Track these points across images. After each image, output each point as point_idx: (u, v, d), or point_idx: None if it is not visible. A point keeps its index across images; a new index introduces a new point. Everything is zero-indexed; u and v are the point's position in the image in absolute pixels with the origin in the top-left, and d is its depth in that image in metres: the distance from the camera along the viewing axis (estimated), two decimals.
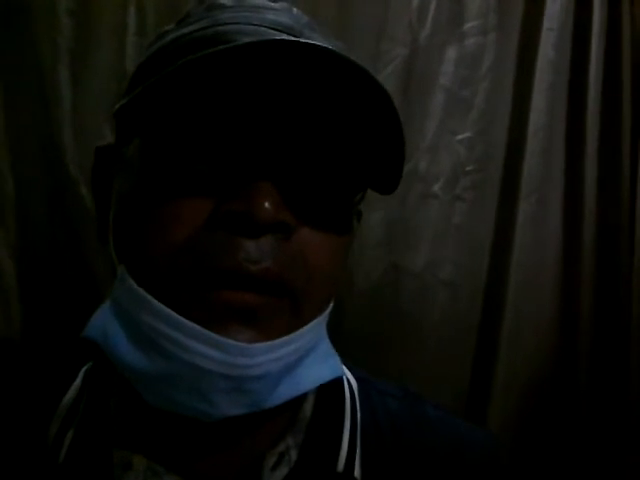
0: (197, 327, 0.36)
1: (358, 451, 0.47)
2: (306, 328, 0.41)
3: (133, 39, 0.93)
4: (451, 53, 1.07)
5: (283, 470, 0.44)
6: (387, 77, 1.02)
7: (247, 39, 0.37)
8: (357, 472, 0.46)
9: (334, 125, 0.39)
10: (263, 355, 0.37)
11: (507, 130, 1.10)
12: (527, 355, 1.08)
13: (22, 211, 0.91)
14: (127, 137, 0.43)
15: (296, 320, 0.40)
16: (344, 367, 0.53)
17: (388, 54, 1.03)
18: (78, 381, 0.48)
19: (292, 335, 0.39)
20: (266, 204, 0.36)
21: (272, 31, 0.40)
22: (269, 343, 0.38)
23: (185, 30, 0.42)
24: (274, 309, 0.38)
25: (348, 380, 0.52)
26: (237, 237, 0.36)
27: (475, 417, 1.06)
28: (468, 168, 1.07)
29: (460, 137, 1.08)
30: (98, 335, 0.40)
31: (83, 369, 0.50)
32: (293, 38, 0.37)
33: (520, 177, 1.08)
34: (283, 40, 0.34)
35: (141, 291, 0.38)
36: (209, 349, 0.36)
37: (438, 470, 0.49)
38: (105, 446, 0.43)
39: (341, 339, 0.96)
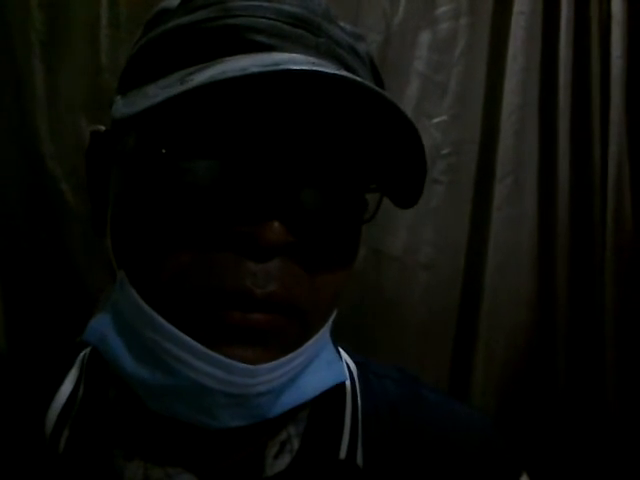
0: (203, 348, 0.35)
1: (359, 437, 0.47)
2: (312, 341, 0.40)
3: (106, 32, 0.92)
4: (424, 38, 1.08)
5: (285, 459, 0.44)
6: None
7: (261, 38, 0.36)
8: (359, 458, 0.46)
9: (346, 148, 0.38)
10: (268, 374, 0.37)
11: (481, 113, 1.11)
12: (506, 334, 1.10)
13: (1, 208, 0.90)
14: (123, 127, 0.40)
15: (303, 334, 0.40)
16: (343, 352, 0.53)
17: None
18: (75, 369, 0.47)
19: (298, 351, 0.39)
20: (275, 225, 0.34)
21: (287, 27, 0.37)
22: (275, 363, 0.37)
23: (192, 17, 0.38)
24: (281, 327, 0.37)
25: (348, 365, 0.51)
26: (244, 259, 0.35)
27: (457, 394, 1.07)
28: (444, 151, 1.09)
29: (435, 121, 1.09)
30: (97, 340, 0.39)
31: (80, 356, 0.48)
32: (311, 41, 0.37)
33: (495, 159, 1.10)
34: (300, 70, 0.32)
35: (144, 305, 0.37)
36: (214, 369, 0.35)
37: (437, 454, 0.49)
38: (105, 436, 0.42)
39: None
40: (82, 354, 0.49)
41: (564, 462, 1.09)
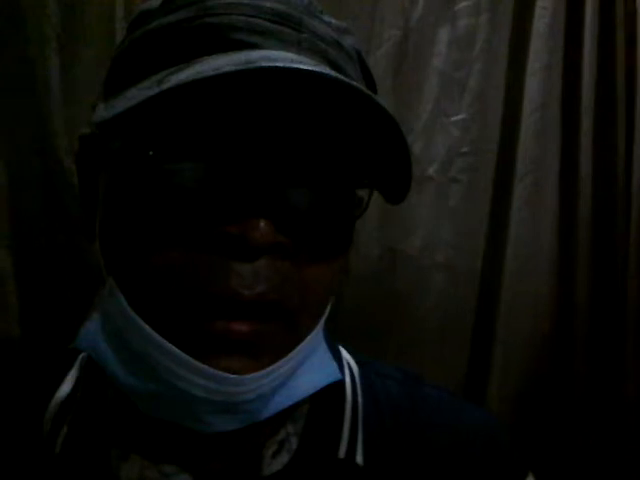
0: (189, 359, 0.35)
1: (360, 436, 0.47)
2: (301, 345, 0.40)
3: (121, 26, 0.91)
4: (443, 34, 1.06)
5: (284, 458, 0.44)
6: (380, 59, 1.01)
7: (241, 36, 0.36)
8: (359, 458, 0.45)
9: (333, 144, 0.38)
10: (257, 382, 0.37)
11: (501, 111, 1.09)
12: (524, 336, 1.08)
13: (16, 201, 0.90)
14: (108, 131, 0.39)
15: (293, 338, 0.40)
16: (344, 351, 0.53)
17: (380, 36, 1.02)
18: (75, 370, 0.48)
19: (287, 357, 0.39)
20: (262, 225, 0.34)
21: (268, 23, 0.37)
22: (263, 372, 0.37)
23: (172, 17, 0.38)
24: (270, 334, 0.37)
25: (349, 365, 0.52)
26: (231, 261, 0.35)
27: (473, 399, 1.06)
28: (463, 150, 1.07)
29: (454, 119, 1.07)
30: (89, 347, 0.40)
31: (79, 357, 0.49)
32: (292, 37, 0.37)
33: (515, 158, 1.08)
34: (275, 67, 0.32)
35: (132, 314, 0.37)
36: (202, 380, 0.35)
37: (440, 453, 0.49)
38: (102, 437, 0.43)
39: (339, 323, 0.97)
40: (81, 355, 0.49)
41: (581, 468, 1.07)
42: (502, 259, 1.07)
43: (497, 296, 1.07)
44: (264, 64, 0.31)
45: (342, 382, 0.48)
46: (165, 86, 0.32)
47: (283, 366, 0.38)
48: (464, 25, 1.07)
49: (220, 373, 0.35)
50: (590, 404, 1.08)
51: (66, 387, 0.46)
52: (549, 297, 1.10)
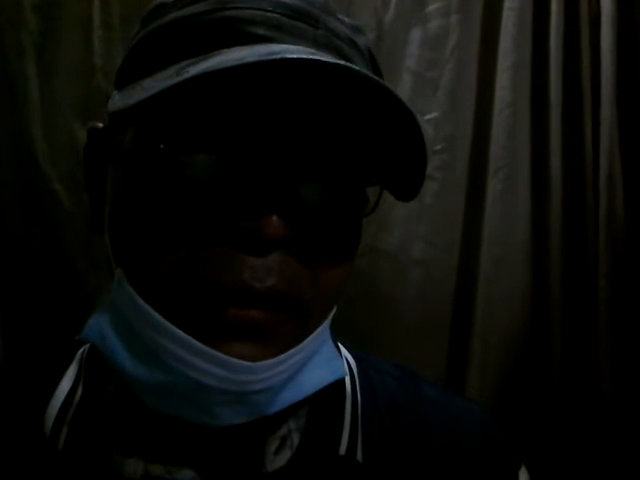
0: (200, 345, 0.35)
1: (359, 433, 0.47)
2: (311, 337, 0.40)
3: (99, 33, 0.92)
4: (416, 36, 1.09)
5: (286, 454, 0.44)
6: None
7: (258, 31, 0.36)
8: (359, 454, 0.46)
9: (345, 141, 0.38)
10: (268, 371, 0.37)
11: (473, 109, 1.12)
12: (501, 329, 1.10)
13: None
14: (120, 124, 0.40)
15: (302, 330, 0.40)
16: (343, 348, 0.53)
17: None
18: (74, 366, 0.47)
19: (298, 347, 0.39)
20: (275, 220, 0.34)
21: (285, 19, 0.37)
22: (274, 360, 0.37)
23: (189, 10, 0.38)
24: (280, 323, 0.37)
25: (348, 362, 0.52)
26: (244, 254, 0.35)
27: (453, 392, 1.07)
28: (437, 148, 1.09)
29: (428, 117, 1.09)
30: (96, 338, 0.39)
31: (78, 353, 0.48)
32: (309, 33, 0.37)
33: (488, 154, 1.10)
34: (298, 59, 0.32)
35: (142, 303, 0.37)
36: (213, 367, 0.35)
37: (437, 448, 0.49)
38: (105, 434, 0.42)
39: None
40: (81, 350, 0.49)
41: (561, 456, 1.09)
42: (478, 253, 1.09)
43: (474, 289, 1.09)
44: (288, 55, 0.31)
45: (342, 379, 0.48)
46: (187, 75, 0.32)
47: (293, 357, 0.39)
48: (435, 26, 1.09)
49: (232, 359, 0.35)
50: (566, 391, 1.10)
51: (66, 384, 0.46)
52: (524, 288, 1.12)
